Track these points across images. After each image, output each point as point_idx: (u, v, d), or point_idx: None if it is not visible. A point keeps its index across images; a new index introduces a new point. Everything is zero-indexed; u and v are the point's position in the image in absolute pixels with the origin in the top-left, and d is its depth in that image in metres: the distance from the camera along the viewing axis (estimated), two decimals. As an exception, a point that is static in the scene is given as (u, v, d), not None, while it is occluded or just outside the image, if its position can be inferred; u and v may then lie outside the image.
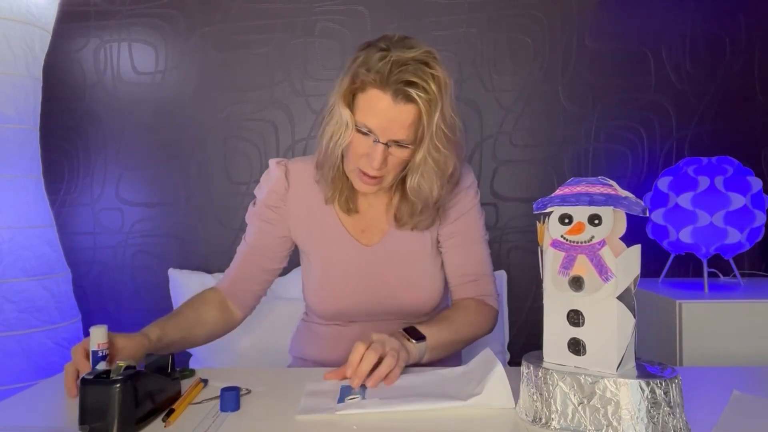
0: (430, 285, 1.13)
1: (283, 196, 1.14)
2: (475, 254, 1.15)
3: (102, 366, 0.87)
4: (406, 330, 0.99)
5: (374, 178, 1.02)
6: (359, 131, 0.98)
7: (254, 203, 1.18)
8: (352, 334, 1.11)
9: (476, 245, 1.16)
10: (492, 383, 0.79)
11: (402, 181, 1.08)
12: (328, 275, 1.12)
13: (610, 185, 0.73)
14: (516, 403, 0.78)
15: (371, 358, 0.86)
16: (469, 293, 1.14)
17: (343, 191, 1.10)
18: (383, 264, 1.12)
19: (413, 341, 0.96)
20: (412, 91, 0.94)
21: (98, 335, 0.86)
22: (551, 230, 0.75)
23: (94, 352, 0.85)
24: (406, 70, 0.93)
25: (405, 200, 1.09)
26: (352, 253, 1.12)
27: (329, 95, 1.03)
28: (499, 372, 0.80)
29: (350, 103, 0.99)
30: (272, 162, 1.16)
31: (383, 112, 0.95)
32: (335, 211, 1.13)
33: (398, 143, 0.99)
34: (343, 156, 1.05)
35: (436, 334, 1.00)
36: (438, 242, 1.15)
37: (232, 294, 1.14)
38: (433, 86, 0.95)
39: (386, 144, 0.98)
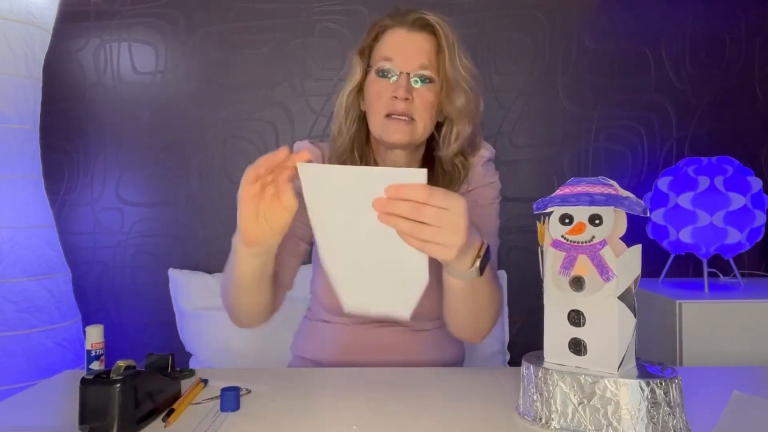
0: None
1: None
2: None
3: (95, 366, 0.87)
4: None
5: (404, 116, 0.97)
6: (378, 75, 0.99)
7: None
8: (356, 337, 1.10)
9: (488, 240, 1.10)
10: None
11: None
12: None
13: (611, 185, 0.73)
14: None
15: (419, 192, 0.65)
16: None
17: None
18: None
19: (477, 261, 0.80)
20: (429, 18, 0.98)
21: (93, 335, 0.86)
22: (552, 230, 0.75)
23: (89, 352, 0.86)
24: (419, 11, 1.00)
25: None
26: None
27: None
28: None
29: (369, 58, 1.03)
30: (304, 145, 1.11)
31: (400, 41, 0.99)
32: None
33: (421, 78, 0.98)
34: (367, 138, 1.04)
35: (488, 273, 0.87)
36: None
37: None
38: (446, 28, 0.98)
39: (408, 75, 0.97)
